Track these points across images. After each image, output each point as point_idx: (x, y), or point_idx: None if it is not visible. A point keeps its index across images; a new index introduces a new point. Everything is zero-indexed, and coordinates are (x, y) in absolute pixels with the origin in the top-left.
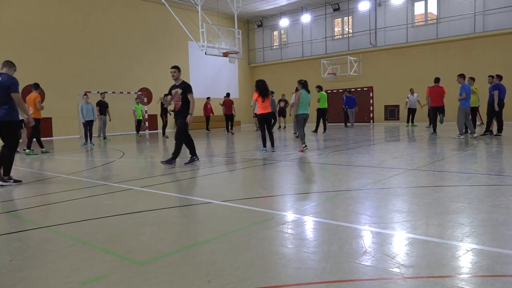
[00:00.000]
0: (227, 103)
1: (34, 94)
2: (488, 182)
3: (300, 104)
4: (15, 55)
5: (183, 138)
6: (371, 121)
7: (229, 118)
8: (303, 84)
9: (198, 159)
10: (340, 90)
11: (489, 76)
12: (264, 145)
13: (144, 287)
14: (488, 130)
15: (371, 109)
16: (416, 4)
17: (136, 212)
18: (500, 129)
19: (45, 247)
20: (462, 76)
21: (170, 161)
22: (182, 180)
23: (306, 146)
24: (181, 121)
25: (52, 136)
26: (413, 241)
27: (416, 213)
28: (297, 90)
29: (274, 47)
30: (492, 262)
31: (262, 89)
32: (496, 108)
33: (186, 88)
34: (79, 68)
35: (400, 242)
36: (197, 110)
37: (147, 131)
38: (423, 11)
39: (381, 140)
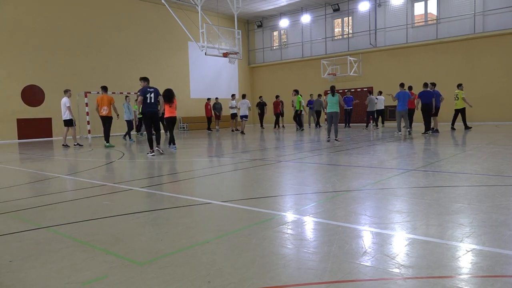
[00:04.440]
0: (275, 104)
1: (109, 96)
2: (487, 183)
3: (328, 104)
4: (15, 55)
5: None
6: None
7: (277, 116)
8: (331, 89)
9: None
10: (340, 91)
11: (431, 83)
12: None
13: (144, 287)
14: (433, 129)
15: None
16: (416, 4)
17: (136, 212)
18: (427, 128)
19: (45, 247)
20: (401, 84)
21: None
22: (182, 180)
23: (329, 138)
24: None
25: (52, 137)
26: (413, 242)
27: (416, 213)
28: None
29: (274, 47)
30: (492, 262)
31: (165, 96)
32: (417, 109)
33: None
34: (78, 68)
35: (400, 243)
36: (196, 111)
37: None
38: (423, 12)
39: (381, 141)
